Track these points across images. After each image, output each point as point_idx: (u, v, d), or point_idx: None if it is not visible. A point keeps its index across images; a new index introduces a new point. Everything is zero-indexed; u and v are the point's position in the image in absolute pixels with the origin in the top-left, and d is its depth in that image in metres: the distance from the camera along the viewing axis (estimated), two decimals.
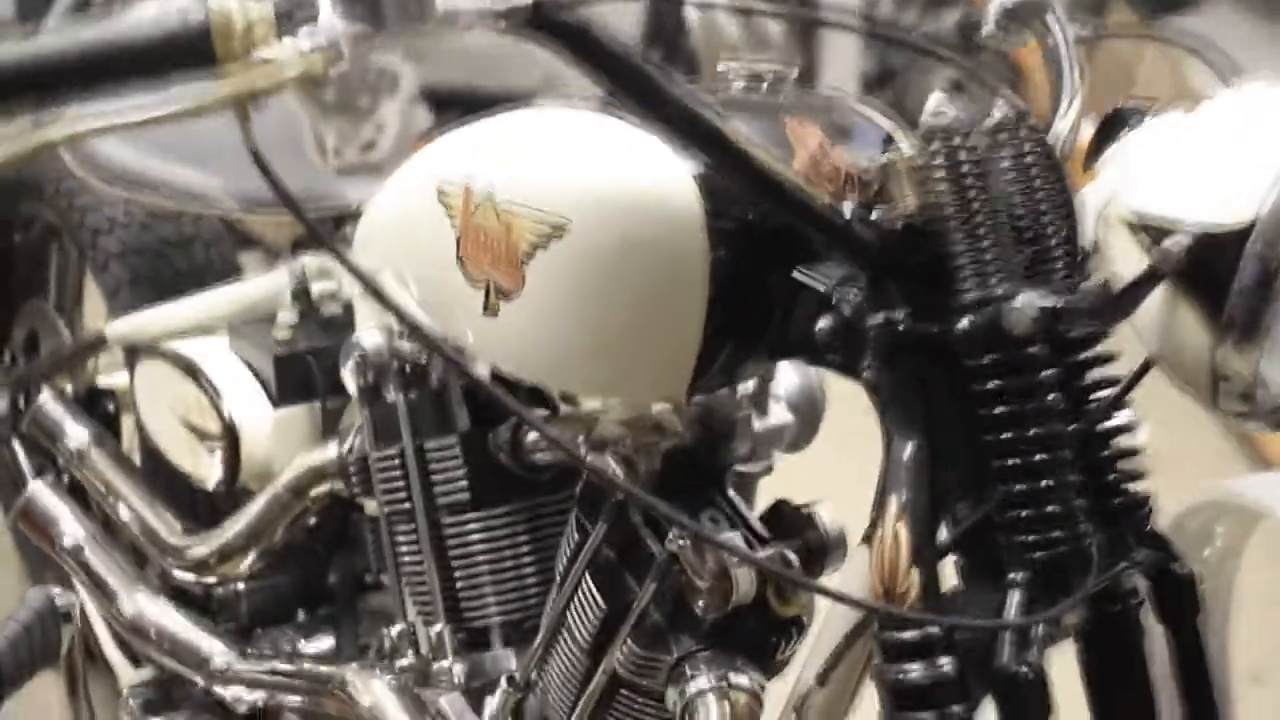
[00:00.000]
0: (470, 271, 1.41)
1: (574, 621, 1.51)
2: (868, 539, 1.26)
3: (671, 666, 1.45)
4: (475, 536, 1.68)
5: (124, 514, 2.02)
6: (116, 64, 0.99)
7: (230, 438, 1.89)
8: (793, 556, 1.46)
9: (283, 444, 1.89)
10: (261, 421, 1.89)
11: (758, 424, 1.69)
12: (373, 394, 1.73)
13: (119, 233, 2.23)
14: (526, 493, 1.69)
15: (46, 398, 2.14)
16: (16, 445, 2.44)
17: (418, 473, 1.69)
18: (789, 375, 1.75)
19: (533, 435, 1.68)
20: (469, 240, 1.40)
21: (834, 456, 1.87)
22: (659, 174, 1.31)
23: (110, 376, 2.34)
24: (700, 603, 1.42)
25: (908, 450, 1.24)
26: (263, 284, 1.98)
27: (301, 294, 1.94)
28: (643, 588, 1.45)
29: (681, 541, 1.42)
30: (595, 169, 1.33)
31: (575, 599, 1.51)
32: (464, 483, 1.68)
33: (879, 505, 1.25)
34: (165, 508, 2.00)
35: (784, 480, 1.71)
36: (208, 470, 1.92)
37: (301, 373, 1.89)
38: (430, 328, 1.46)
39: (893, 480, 1.24)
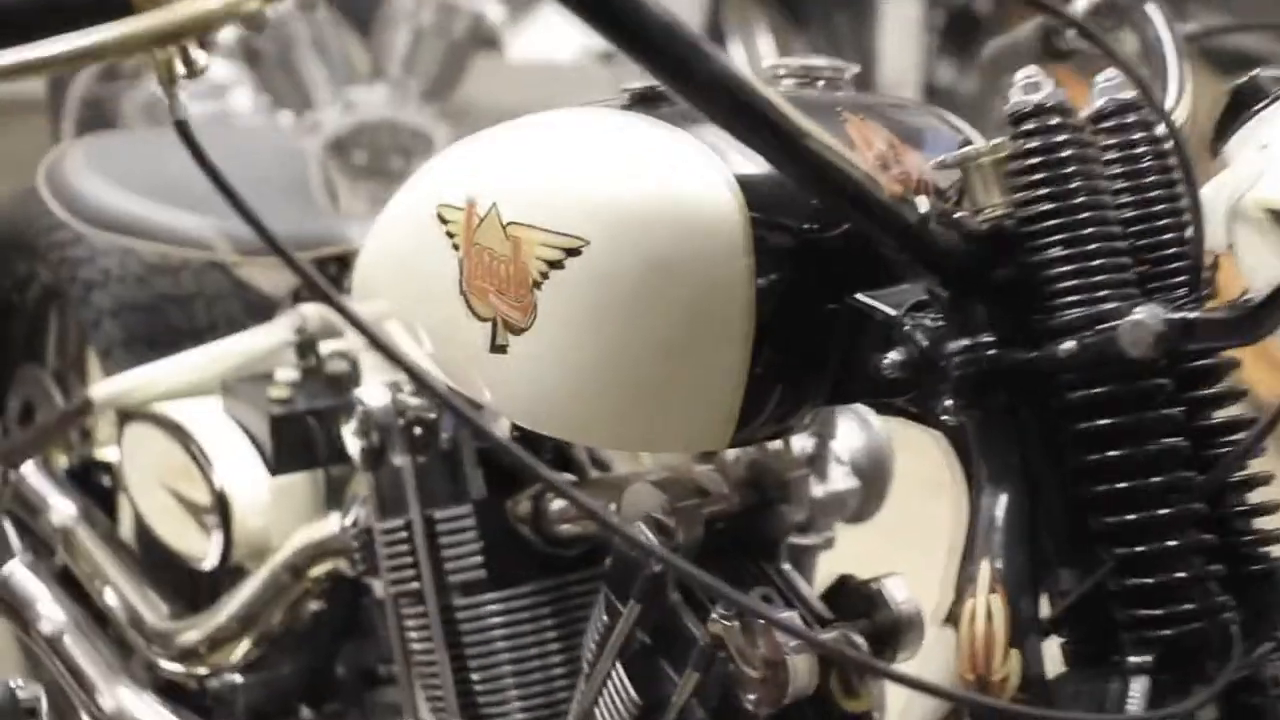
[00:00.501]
0: (474, 303, 1.20)
1: (604, 718, 1.29)
2: (952, 618, 1.04)
3: None
4: (493, 620, 1.47)
5: (110, 598, 1.81)
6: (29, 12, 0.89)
7: (222, 510, 1.68)
8: (860, 639, 1.23)
9: (280, 516, 1.68)
10: (257, 491, 1.69)
11: (817, 489, 1.48)
12: (377, 458, 1.53)
13: (113, 287, 2.04)
14: (551, 570, 1.48)
15: (29, 470, 1.94)
16: (6, 523, 2.24)
17: (427, 547, 1.48)
18: (851, 432, 1.53)
19: (558, 503, 1.46)
20: (473, 266, 1.19)
21: (902, 519, 1.65)
22: (693, 180, 1.10)
23: (111, 448, 2.14)
24: (751, 696, 1.20)
25: (1000, 507, 1.02)
26: (260, 338, 1.78)
27: (303, 348, 1.74)
28: (683, 678, 1.23)
29: (728, 622, 1.20)
30: (616, 176, 1.12)
31: (605, 692, 1.29)
32: (479, 558, 1.47)
33: (964, 575, 1.03)
34: (154, 590, 1.79)
35: (847, 553, 1.50)
36: (197, 546, 1.72)
37: (301, 436, 1.69)
38: (437, 379, 1.24)
39: (982, 544, 1.02)
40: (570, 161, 1.15)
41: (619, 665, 1.27)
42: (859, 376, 1.13)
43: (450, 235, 1.22)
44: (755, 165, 1.09)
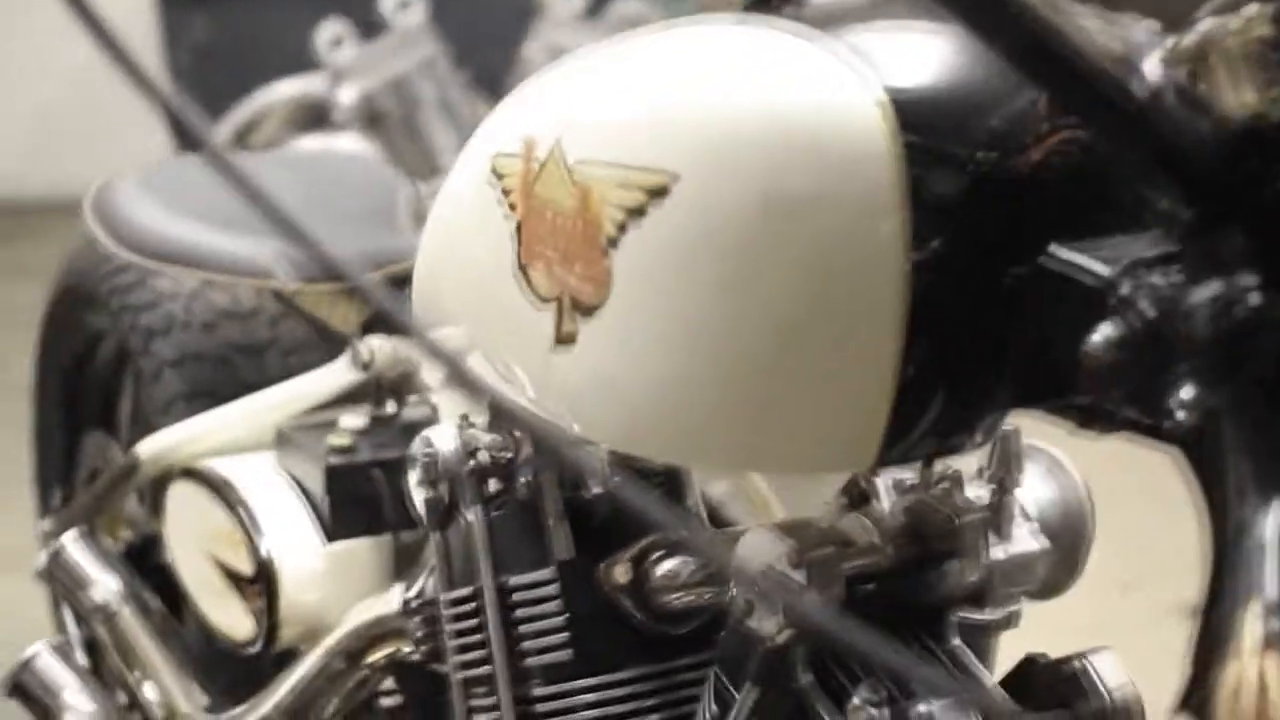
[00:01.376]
0: (535, 280, 0.91)
1: None
2: (1194, 701, 0.71)
3: None
4: (583, 713, 1.16)
5: (148, 688, 1.53)
6: None
7: (267, 581, 1.40)
8: None
9: (337, 590, 1.40)
10: (310, 560, 1.41)
11: (997, 551, 1.15)
12: (446, 514, 1.23)
13: (177, 335, 1.78)
14: (654, 652, 1.17)
15: (70, 540, 1.66)
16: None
17: (500, 621, 1.18)
18: (1041, 480, 1.20)
19: (666, 566, 1.15)
20: (532, 230, 0.90)
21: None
22: (824, 94, 0.80)
23: None
24: None
25: (1273, 527, 0.69)
26: (323, 379, 1.50)
27: (371, 389, 1.45)
28: None
29: (875, 710, 0.88)
30: (714, 90, 0.82)
31: None
32: (565, 636, 1.17)
33: (1214, 635, 0.71)
34: (198, 677, 1.51)
35: (1033, 636, 1.17)
36: (242, 625, 1.43)
37: (364, 493, 1.41)
38: (527, 410, 0.95)
39: (1243, 586, 0.70)
40: (654, 78, 0.86)
41: None
42: (1055, 368, 0.82)
43: (506, 194, 0.93)
44: (913, 78, 0.79)
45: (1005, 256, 0.81)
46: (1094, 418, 0.86)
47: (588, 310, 0.86)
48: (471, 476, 1.20)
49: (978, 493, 1.14)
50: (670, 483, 1.21)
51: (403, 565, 1.41)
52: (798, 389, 0.82)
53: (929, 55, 0.81)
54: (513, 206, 0.92)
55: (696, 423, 0.85)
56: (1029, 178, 0.80)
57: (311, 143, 2.82)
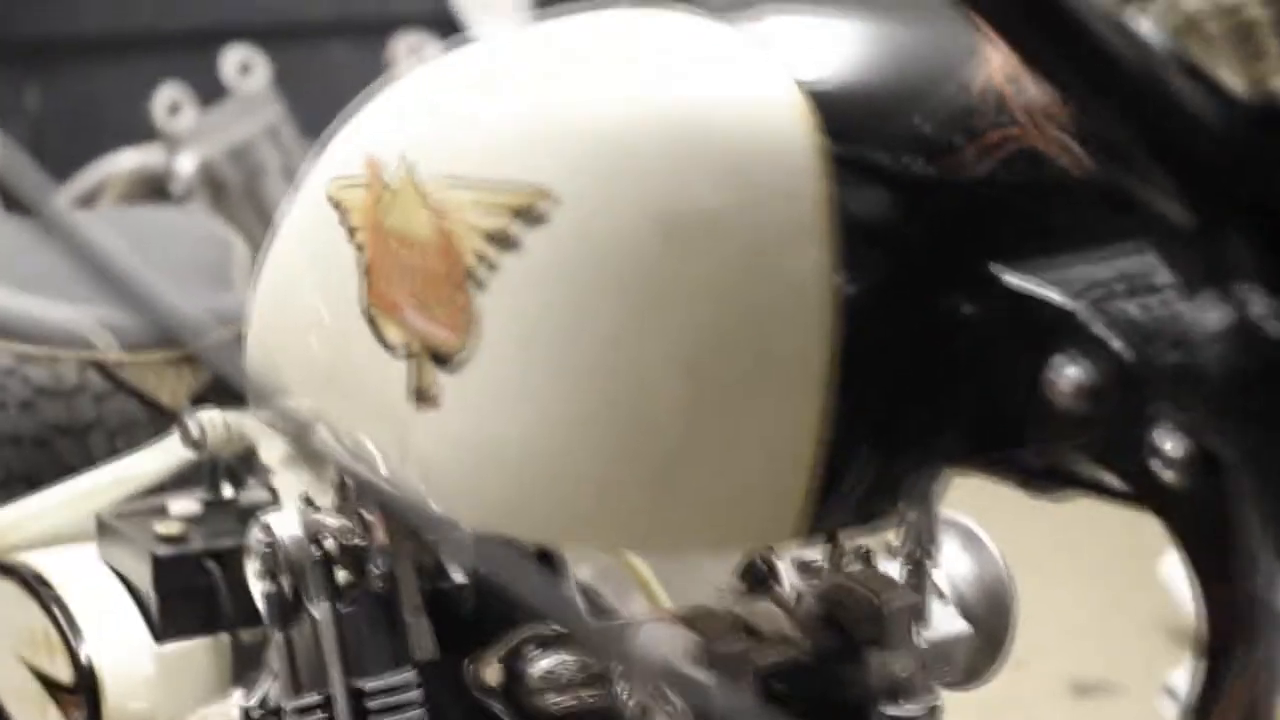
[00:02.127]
0: (384, 327, 0.76)
1: None
2: None
3: None
4: None
5: None
6: None
7: (89, 690, 1.23)
8: None
9: (169, 697, 1.23)
10: (137, 664, 1.24)
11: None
12: (289, 610, 1.08)
13: None
14: None
15: None
16: None
17: None
18: (956, 555, 1.08)
19: (542, 664, 1.01)
20: (381, 267, 0.76)
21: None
22: (733, 89, 0.67)
23: None
24: None
25: None
26: (149, 459, 1.33)
27: (204, 470, 1.29)
28: None
29: None
30: (600, 88, 0.69)
31: None
32: None
33: None
34: None
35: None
36: None
37: (197, 587, 1.24)
38: (381, 482, 0.81)
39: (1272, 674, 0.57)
40: (523, 75, 0.72)
41: None
42: (1006, 418, 0.69)
43: (349, 229, 0.79)
44: (834, 71, 0.66)
45: (945, 284, 0.68)
46: (1045, 477, 0.73)
47: (450, 362, 0.72)
48: (317, 567, 1.05)
49: (890, 570, 1.01)
50: (542, 564, 1.07)
51: (242, 667, 1.25)
52: (704, 450, 0.68)
53: (849, 45, 0.68)
54: (359, 245, 0.77)
55: (583, 496, 0.71)
56: (969, 187, 0.68)
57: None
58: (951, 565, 1.08)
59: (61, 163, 3.06)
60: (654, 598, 1.14)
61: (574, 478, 0.70)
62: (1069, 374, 0.64)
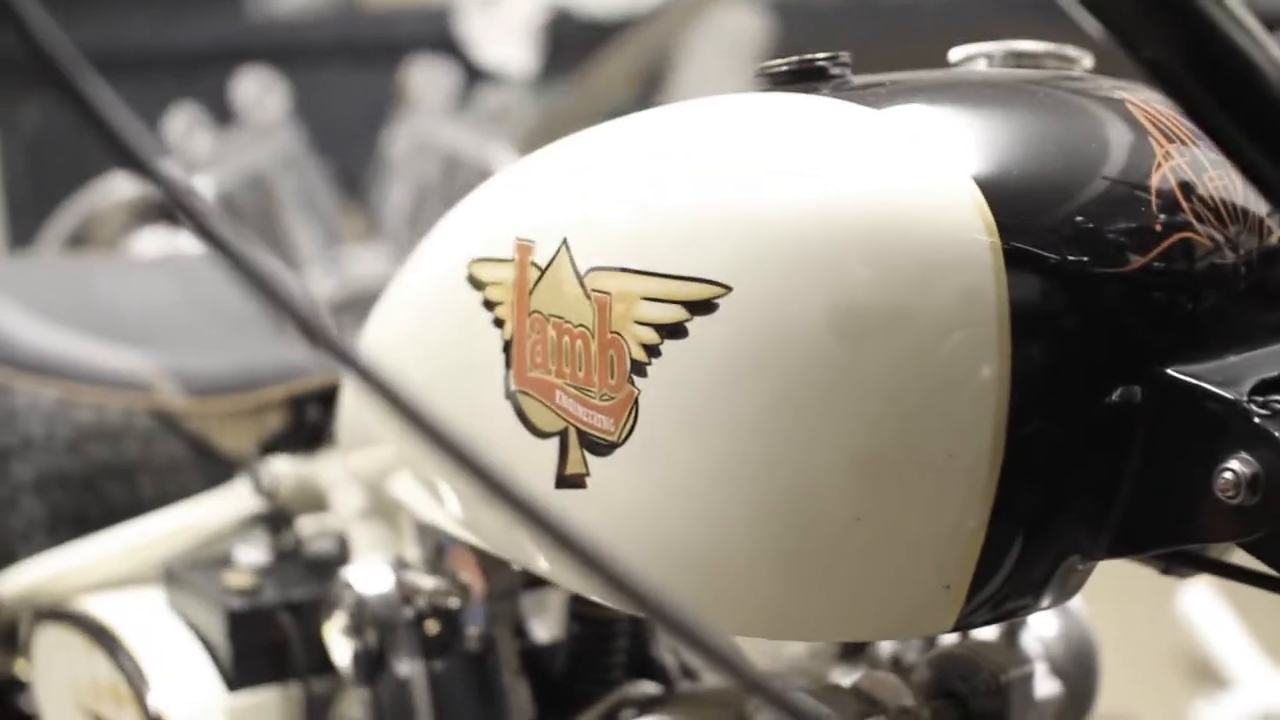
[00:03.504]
0: (530, 410, 0.76)
1: None
2: None
3: None
4: None
5: None
6: None
7: None
8: None
9: None
10: (208, 715, 1.22)
11: None
12: (373, 665, 1.07)
13: (36, 456, 1.58)
14: None
15: None
16: None
17: None
18: (1044, 614, 1.08)
19: None
20: (526, 348, 0.75)
21: None
22: (910, 186, 0.67)
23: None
24: None
25: None
26: (216, 507, 1.32)
27: (273, 520, 1.29)
28: None
29: None
30: (773, 184, 0.68)
31: None
32: None
33: None
34: None
35: None
36: None
37: (270, 638, 1.23)
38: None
39: None
40: (688, 164, 0.71)
41: None
42: (1169, 512, 0.69)
43: (489, 305, 0.78)
44: (1005, 167, 0.66)
45: (1113, 381, 0.68)
46: (1195, 562, 0.73)
47: (602, 448, 0.72)
48: (410, 625, 1.05)
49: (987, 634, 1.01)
50: (636, 630, 1.06)
51: (313, 718, 1.24)
52: (864, 546, 0.68)
53: (1021, 138, 0.68)
54: (499, 321, 0.77)
55: (740, 584, 0.70)
56: (1139, 285, 0.68)
57: (187, 246, 2.63)
58: (1041, 627, 1.08)
59: (61, 184, 3.03)
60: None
61: (726, 569, 0.70)
62: (1236, 468, 0.65)
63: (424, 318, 0.85)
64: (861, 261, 0.65)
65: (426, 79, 3.01)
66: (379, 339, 0.94)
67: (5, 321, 1.47)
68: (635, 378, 0.70)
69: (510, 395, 0.77)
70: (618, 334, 0.70)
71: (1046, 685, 1.05)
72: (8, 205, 3.68)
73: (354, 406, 1.00)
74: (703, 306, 0.68)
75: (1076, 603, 1.09)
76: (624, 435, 0.71)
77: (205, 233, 0.55)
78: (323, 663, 1.23)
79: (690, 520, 0.70)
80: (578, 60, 3.18)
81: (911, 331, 0.65)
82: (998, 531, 0.67)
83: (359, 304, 3.00)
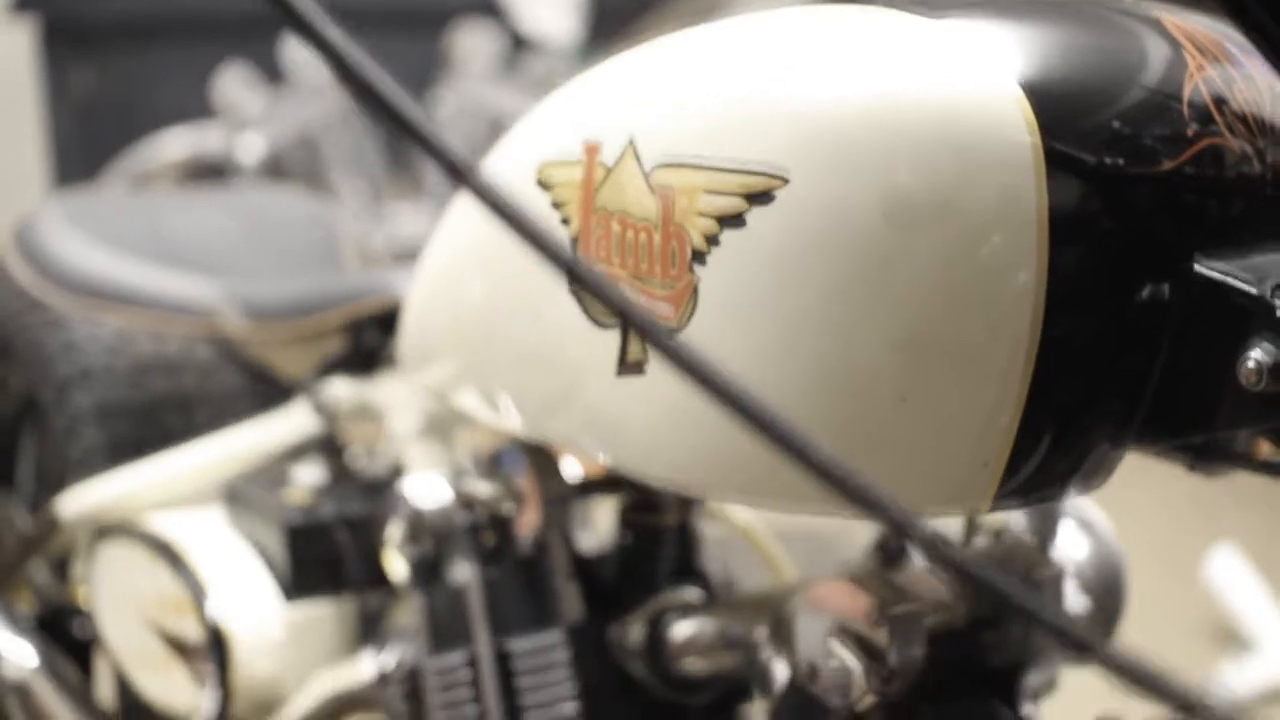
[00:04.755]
0: (591, 302, 0.80)
1: None
2: None
3: None
4: None
5: None
6: None
7: (217, 650, 1.26)
8: None
9: (297, 659, 1.27)
10: (265, 626, 1.27)
11: None
12: (429, 573, 1.12)
13: (96, 387, 1.63)
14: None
15: None
16: None
17: (499, 690, 1.06)
18: (1074, 535, 1.12)
19: (682, 629, 1.05)
20: (592, 243, 0.80)
21: None
22: (958, 88, 0.71)
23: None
24: None
25: None
26: (275, 429, 1.37)
27: (330, 441, 1.33)
28: None
29: None
30: (830, 79, 0.73)
31: None
32: (572, 705, 1.05)
33: None
34: None
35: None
36: (185, 698, 1.30)
37: (327, 552, 1.28)
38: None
39: None
40: (751, 66, 0.76)
41: None
42: (1195, 399, 0.73)
43: (556, 206, 0.83)
44: (1051, 71, 0.70)
45: (1143, 275, 0.72)
46: (1221, 454, 0.77)
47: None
48: (466, 533, 1.09)
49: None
50: (682, 540, 1.11)
51: (367, 632, 1.29)
52: (911, 419, 0.72)
53: (1064, 48, 0.72)
54: (566, 219, 0.81)
55: (786, 465, 0.75)
56: (1170, 185, 0.72)
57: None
58: (1069, 545, 1.12)
59: (110, 145, 3.08)
60: (778, 570, 1.18)
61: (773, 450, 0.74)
62: (1259, 357, 0.69)
63: (492, 222, 0.89)
64: (911, 155, 0.70)
65: (473, 43, 3.05)
66: (447, 248, 0.98)
67: (69, 250, 1.52)
68: (695, 266, 0.74)
69: (574, 290, 0.81)
70: (680, 226, 0.75)
71: (1075, 600, 1.09)
72: (57, 167, 3.73)
73: (420, 316, 1.04)
74: (761, 197, 0.72)
75: (1104, 524, 1.13)
76: (684, 321, 0.75)
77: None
78: (377, 578, 1.27)
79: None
80: (623, 28, 3.22)
81: (956, 222, 0.69)
82: (1032, 417, 0.71)
83: (403, 259, 3.04)
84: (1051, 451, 0.73)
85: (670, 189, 0.75)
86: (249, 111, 2.85)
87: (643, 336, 0.57)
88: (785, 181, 0.71)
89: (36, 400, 1.78)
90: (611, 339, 0.80)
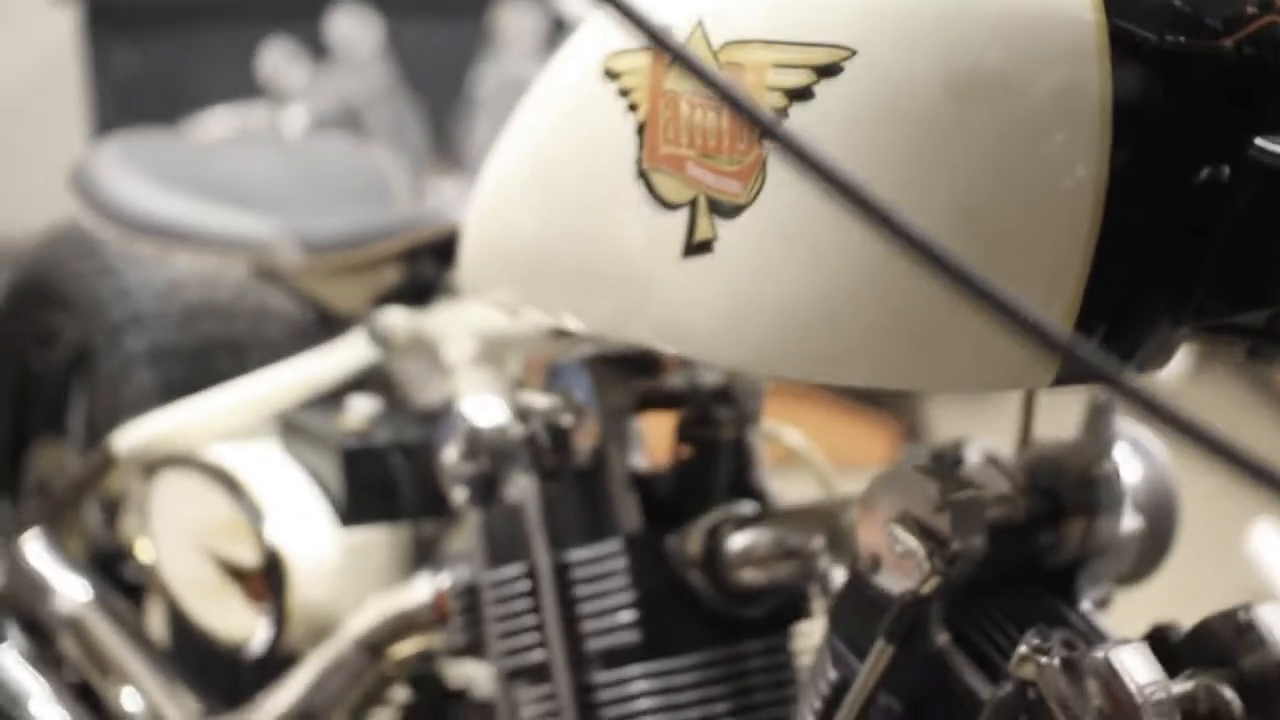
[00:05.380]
0: (661, 184, 0.81)
1: None
2: None
3: None
4: (643, 703, 1.05)
5: (127, 700, 1.40)
6: None
7: (274, 574, 1.28)
8: (1228, 692, 0.82)
9: (352, 583, 1.28)
10: (323, 550, 1.29)
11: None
12: (486, 491, 1.13)
13: (149, 330, 1.65)
14: (726, 633, 1.07)
15: (31, 544, 1.53)
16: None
17: (556, 602, 1.07)
18: (1128, 458, 1.12)
19: (741, 540, 1.06)
20: (660, 127, 0.81)
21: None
22: None
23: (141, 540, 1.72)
24: None
25: None
26: (331, 361, 1.38)
27: (386, 370, 1.35)
28: None
29: (1045, 657, 0.79)
30: None
31: None
32: (629, 615, 1.06)
33: None
34: (188, 688, 1.38)
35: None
36: (241, 625, 1.31)
37: (382, 478, 1.29)
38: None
39: None
40: None
41: None
42: (1254, 278, 0.74)
43: (624, 93, 0.84)
44: None
45: (1204, 153, 0.73)
46: (1272, 341, 0.78)
47: (730, 211, 0.78)
48: (526, 444, 1.10)
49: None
50: (738, 454, 1.12)
51: (422, 558, 1.30)
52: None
53: None
54: (634, 105, 0.83)
55: (857, 335, 0.76)
56: (1232, 66, 0.73)
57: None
58: (1124, 468, 1.12)
59: (153, 124, 3.10)
60: (831, 488, 1.19)
61: (846, 319, 0.75)
62: None
63: (559, 115, 0.90)
64: (975, 30, 0.71)
65: (516, 21, 3.08)
66: (505, 165, 0.99)
67: (125, 188, 1.53)
68: (764, 141, 0.76)
69: (642, 174, 0.83)
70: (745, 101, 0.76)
71: (1129, 521, 1.10)
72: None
73: (481, 235, 1.05)
74: (829, 70, 0.73)
75: (1162, 456, 1.13)
76: (752, 196, 0.77)
77: None
78: (432, 506, 1.28)
79: (812, 272, 0.76)
80: None
81: (1019, 96, 0.71)
82: (1091, 297, 0.72)
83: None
84: (1112, 328, 0.74)
85: (739, 66, 0.76)
86: (293, 85, 2.88)
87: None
88: (853, 54, 0.72)
89: (89, 350, 1.79)
90: (678, 220, 0.81)
